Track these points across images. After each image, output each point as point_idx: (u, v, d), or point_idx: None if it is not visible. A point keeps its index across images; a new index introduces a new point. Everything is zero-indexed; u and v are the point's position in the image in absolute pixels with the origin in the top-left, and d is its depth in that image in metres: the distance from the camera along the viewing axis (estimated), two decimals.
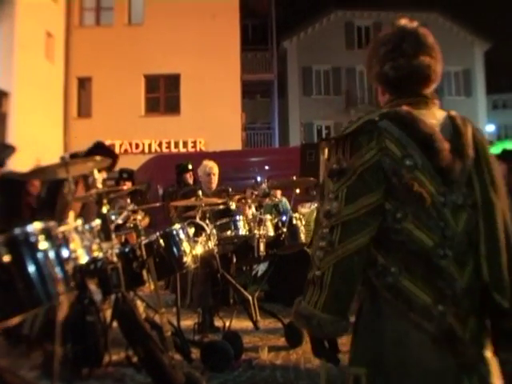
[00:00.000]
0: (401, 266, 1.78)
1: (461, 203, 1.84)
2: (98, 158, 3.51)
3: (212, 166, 6.41)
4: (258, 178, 10.83)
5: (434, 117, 1.92)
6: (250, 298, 5.38)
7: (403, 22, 2.02)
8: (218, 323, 5.88)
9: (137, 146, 22.46)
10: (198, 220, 4.45)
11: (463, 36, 32.96)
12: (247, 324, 5.62)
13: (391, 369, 1.77)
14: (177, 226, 4.22)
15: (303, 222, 6.06)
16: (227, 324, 5.50)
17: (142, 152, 21.81)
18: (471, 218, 1.85)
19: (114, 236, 3.49)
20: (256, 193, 6.64)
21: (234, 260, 5.76)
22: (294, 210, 8.68)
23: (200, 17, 22.05)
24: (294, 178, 6.27)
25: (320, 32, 32.09)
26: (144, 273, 3.85)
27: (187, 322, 5.80)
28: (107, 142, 21.57)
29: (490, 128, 33.76)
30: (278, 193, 8.66)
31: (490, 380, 1.78)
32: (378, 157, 1.79)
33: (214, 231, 4.82)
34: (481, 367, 1.79)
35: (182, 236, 4.16)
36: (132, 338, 3.68)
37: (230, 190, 5.99)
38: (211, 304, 5.81)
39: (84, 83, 23.06)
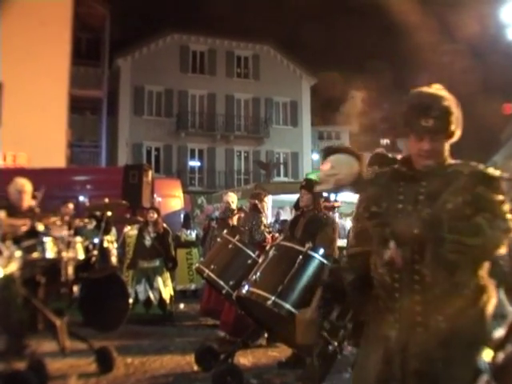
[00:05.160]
0: None
1: None
2: None
3: (23, 184, 5.90)
4: (81, 198, 10.49)
5: None
6: (58, 322, 5.14)
7: None
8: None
9: None
10: None
11: (293, 69, 34.92)
12: (57, 350, 5.34)
13: None
14: None
15: (115, 245, 5.96)
16: (35, 351, 5.21)
17: None
18: None
19: None
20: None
21: (45, 283, 5.47)
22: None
23: (27, 23, 20.67)
24: (106, 200, 6.10)
25: (155, 53, 32.16)
26: None
27: None
28: None
29: (315, 157, 36.15)
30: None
31: None
32: None
33: (17, 253, 4.51)
34: None
35: None
36: None
37: (38, 209, 5.67)
38: (17, 329, 5.45)
39: None
